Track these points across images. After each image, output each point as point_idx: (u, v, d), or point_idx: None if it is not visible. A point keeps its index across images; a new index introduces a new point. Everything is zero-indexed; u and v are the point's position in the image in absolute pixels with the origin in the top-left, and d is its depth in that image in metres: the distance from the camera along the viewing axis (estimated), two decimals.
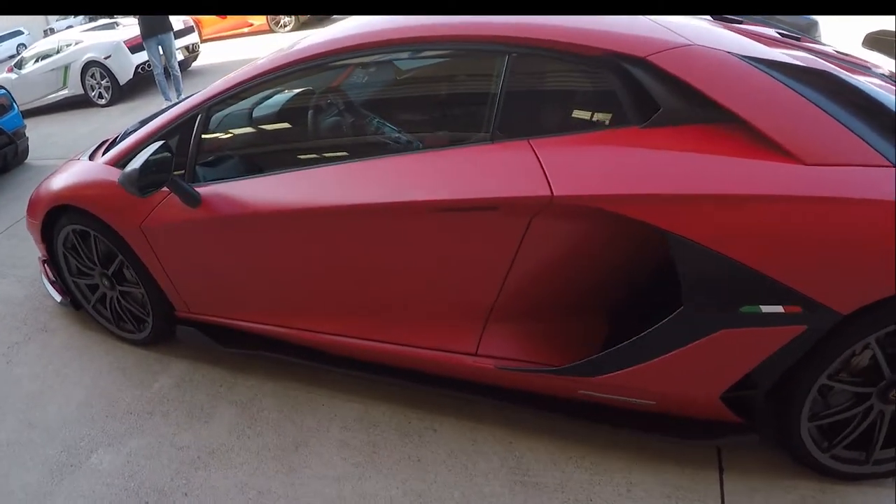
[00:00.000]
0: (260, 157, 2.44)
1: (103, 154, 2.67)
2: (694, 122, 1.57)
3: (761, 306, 1.49)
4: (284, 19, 12.81)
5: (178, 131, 2.32)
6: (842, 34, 3.55)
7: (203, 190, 2.20)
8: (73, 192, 2.61)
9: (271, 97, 2.45)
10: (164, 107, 6.92)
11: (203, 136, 2.27)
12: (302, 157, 2.37)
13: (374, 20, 2.08)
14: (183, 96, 7.68)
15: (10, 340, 3.19)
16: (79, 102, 9.42)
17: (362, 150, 2.24)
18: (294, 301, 2.33)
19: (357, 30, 2.02)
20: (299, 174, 2.05)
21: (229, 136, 2.48)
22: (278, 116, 2.47)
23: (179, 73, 7.91)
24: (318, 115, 2.32)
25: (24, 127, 6.37)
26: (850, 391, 1.66)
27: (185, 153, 2.27)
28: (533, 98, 1.84)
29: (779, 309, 1.48)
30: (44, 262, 3.15)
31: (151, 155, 1.99)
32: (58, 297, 3.14)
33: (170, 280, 2.50)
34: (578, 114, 1.82)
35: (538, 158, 1.64)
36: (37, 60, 9.82)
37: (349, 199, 1.88)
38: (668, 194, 1.50)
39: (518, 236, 1.72)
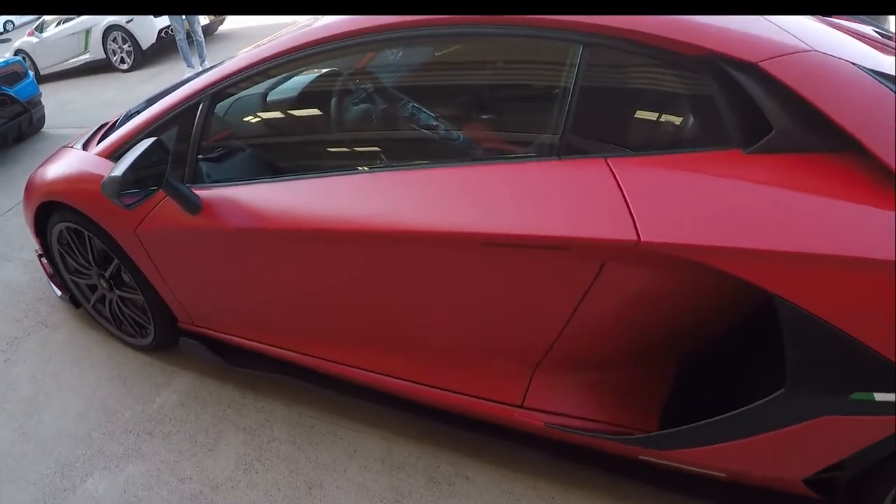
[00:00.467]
0: (273, 156, 2.11)
1: (99, 142, 2.36)
2: (810, 150, 1.22)
3: (875, 393, 1.20)
4: None
5: (177, 122, 2.00)
6: None
7: (205, 194, 1.88)
8: (63, 187, 2.32)
9: (288, 81, 2.10)
10: (186, 75, 6.64)
11: (206, 128, 1.95)
12: (324, 159, 2.02)
13: None
14: (207, 63, 7.38)
15: (9, 335, 2.97)
16: (100, 67, 9.15)
17: (401, 153, 1.90)
18: (312, 328, 2.03)
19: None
20: (321, 182, 1.72)
21: (237, 129, 2.15)
22: (296, 108, 2.13)
23: (203, 39, 7.56)
24: (345, 107, 1.97)
25: (40, 95, 6.13)
26: None
27: (184, 149, 1.95)
28: (612, 103, 1.47)
29: (893, 398, 1.19)
30: (40, 256, 2.89)
31: (138, 158, 1.67)
32: (58, 292, 2.89)
33: (170, 290, 2.21)
34: (668, 127, 1.46)
35: (620, 186, 1.30)
36: (58, 23, 9.57)
37: (382, 221, 1.54)
38: (786, 252, 1.16)
39: (587, 281, 1.38)
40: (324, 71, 2.08)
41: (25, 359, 2.78)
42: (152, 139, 1.74)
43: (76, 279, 2.68)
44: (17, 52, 9.51)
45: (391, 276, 1.68)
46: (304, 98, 2.08)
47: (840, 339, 1.17)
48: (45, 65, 9.59)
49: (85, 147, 2.44)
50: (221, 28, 10.26)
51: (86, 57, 9.19)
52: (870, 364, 1.17)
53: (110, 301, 2.58)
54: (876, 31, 1.64)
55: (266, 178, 1.88)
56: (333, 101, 1.96)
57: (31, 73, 6.15)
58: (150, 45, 8.71)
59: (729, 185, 1.23)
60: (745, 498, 1.56)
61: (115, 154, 2.17)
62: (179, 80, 2.76)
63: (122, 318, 2.60)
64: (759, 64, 1.24)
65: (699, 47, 1.28)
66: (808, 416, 1.28)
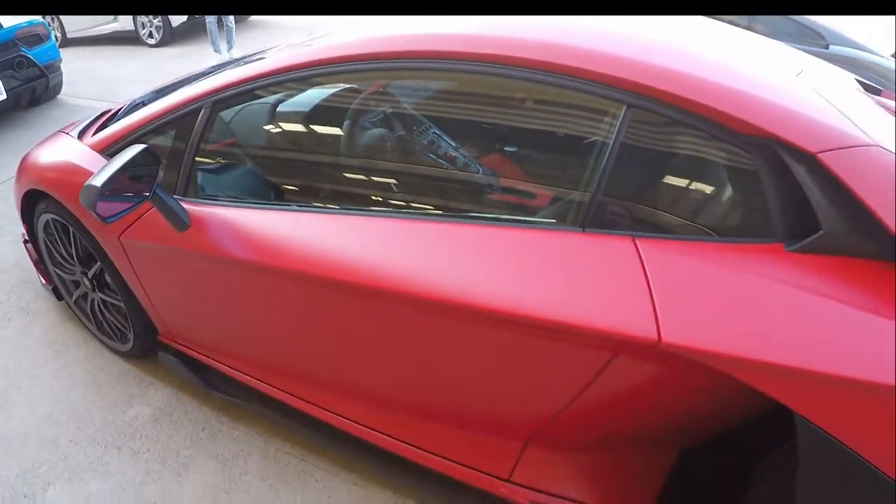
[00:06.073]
0: (273, 177, 1.95)
1: (96, 132, 2.22)
2: (857, 255, 1.06)
3: None
4: None
5: (176, 126, 1.85)
6: None
7: (195, 210, 1.73)
8: (52, 177, 2.18)
9: (301, 92, 1.94)
10: (211, 61, 6.48)
11: (205, 137, 1.80)
12: (326, 189, 1.84)
13: (458, 20, 1.56)
14: (235, 51, 7.24)
15: None
16: (127, 39, 9.02)
17: (415, 184, 1.73)
18: (293, 368, 1.88)
19: (434, 32, 1.50)
20: (319, 219, 1.55)
21: (239, 141, 1.99)
22: (306, 125, 1.96)
23: (234, 25, 7.38)
24: (359, 130, 1.81)
25: (60, 60, 6.00)
26: None
27: (180, 157, 1.80)
28: (650, 176, 1.31)
29: None
30: (25, 241, 2.76)
31: (123, 166, 1.51)
32: (41, 281, 2.76)
33: (150, 301, 2.07)
34: (706, 210, 1.28)
35: (646, 274, 1.14)
36: None
37: (379, 276, 1.38)
38: (816, 372, 1.00)
39: (593, 371, 1.23)
40: (341, 86, 1.91)
41: (1, 347, 2.65)
42: (141, 147, 1.58)
43: (60, 272, 2.54)
44: None
45: (381, 333, 1.52)
46: (316, 115, 1.91)
47: (864, 470, 1.02)
48: (72, 29, 9.48)
49: (81, 135, 2.30)
50: (254, 16, 10.11)
51: (115, 26, 9.03)
52: (887, 495, 1.02)
53: (92, 301, 2.45)
54: None
55: (262, 203, 1.73)
56: (347, 122, 1.80)
57: (55, 36, 6.02)
58: (180, 22, 8.57)
59: (765, 287, 1.07)
60: None
61: (108, 150, 2.02)
62: (200, 70, 2.62)
63: (102, 319, 2.47)
64: (818, 155, 1.08)
65: (756, 127, 1.13)
66: None
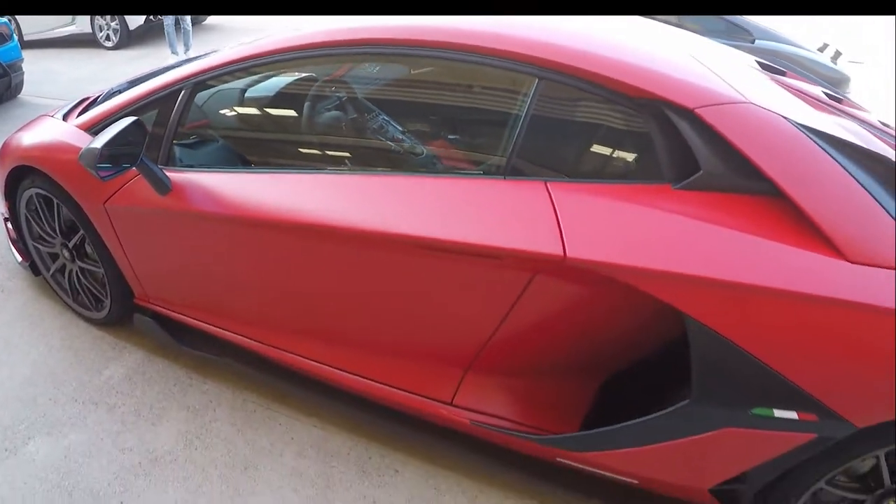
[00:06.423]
0: (243, 149, 2.22)
1: (79, 115, 2.43)
2: (733, 191, 1.37)
3: (775, 410, 1.35)
4: None
5: (158, 105, 2.09)
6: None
7: (175, 176, 1.98)
8: (40, 153, 2.38)
9: (267, 80, 2.22)
10: (168, 62, 6.65)
11: (184, 115, 2.05)
12: (291, 158, 2.15)
13: (397, 18, 1.87)
14: (191, 53, 7.40)
15: None
16: (85, 41, 9.07)
17: (361, 158, 2.04)
18: (259, 314, 2.13)
19: (380, 24, 1.80)
20: (284, 178, 1.84)
21: (213, 120, 2.25)
22: (271, 107, 2.24)
23: (191, 28, 7.60)
24: (317, 112, 2.10)
25: (22, 60, 6.09)
26: (844, 496, 1.51)
27: (162, 132, 2.05)
28: (558, 133, 1.62)
29: (793, 415, 1.33)
30: (5, 219, 2.92)
31: (118, 134, 1.76)
32: (18, 258, 2.92)
33: (130, 265, 2.29)
34: (606, 159, 1.61)
35: (554, 208, 1.44)
36: None
37: (330, 218, 1.66)
38: (694, 276, 1.30)
39: (517, 291, 1.52)
40: (302, 75, 2.19)
41: None
42: (133, 118, 1.83)
43: (39, 246, 2.72)
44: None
45: (334, 271, 1.80)
46: (280, 98, 2.20)
47: (742, 358, 1.31)
48: (30, 31, 9.46)
49: (65, 118, 2.51)
50: (210, 19, 10.28)
51: (72, 28, 9.07)
52: (770, 382, 1.31)
53: (70, 271, 2.64)
54: (824, 93, 1.82)
55: (234, 168, 1.99)
56: (307, 104, 2.09)
57: (16, 37, 6.12)
58: (138, 25, 8.68)
59: (652, 215, 1.38)
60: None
61: (93, 128, 2.24)
62: (163, 66, 2.85)
63: (79, 289, 2.65)
64: (695, 110, 1.39)
65: (644, 91, 1.44)
66: (711, 427, 1.42)
